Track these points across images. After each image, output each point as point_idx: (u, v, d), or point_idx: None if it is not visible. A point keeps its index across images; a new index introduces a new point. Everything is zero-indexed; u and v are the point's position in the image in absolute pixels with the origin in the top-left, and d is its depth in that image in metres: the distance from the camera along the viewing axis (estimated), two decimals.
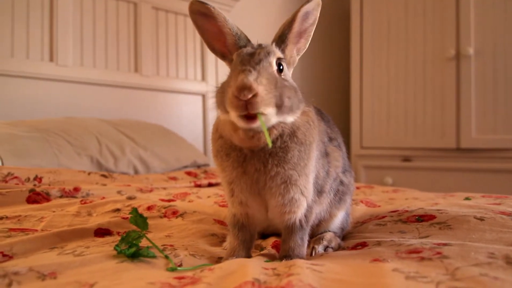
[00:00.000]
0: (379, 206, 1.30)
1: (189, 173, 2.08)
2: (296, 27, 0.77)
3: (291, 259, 0.76)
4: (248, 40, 0.77)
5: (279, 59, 0.72)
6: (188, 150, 2.43)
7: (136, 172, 2.05)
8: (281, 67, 0.72)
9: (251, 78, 0.64)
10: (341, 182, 0.91)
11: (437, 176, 3.07)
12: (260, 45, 0.74)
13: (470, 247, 0.70)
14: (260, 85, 0.64)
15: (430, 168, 3.12)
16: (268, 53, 0.70)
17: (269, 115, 0.66)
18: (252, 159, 0.73)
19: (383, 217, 1.03)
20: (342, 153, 0.91)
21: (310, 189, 0.78)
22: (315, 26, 0.80)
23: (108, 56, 2.59)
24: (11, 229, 0.97)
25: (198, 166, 2.39)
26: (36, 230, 0.98)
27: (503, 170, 2.82)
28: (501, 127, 2.85)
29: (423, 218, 0.95)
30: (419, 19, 3.15)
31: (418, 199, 1.40)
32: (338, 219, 0.94)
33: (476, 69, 2.91)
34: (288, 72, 0.77)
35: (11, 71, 2.19)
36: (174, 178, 1.95)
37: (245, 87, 0.63)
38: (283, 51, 0.76)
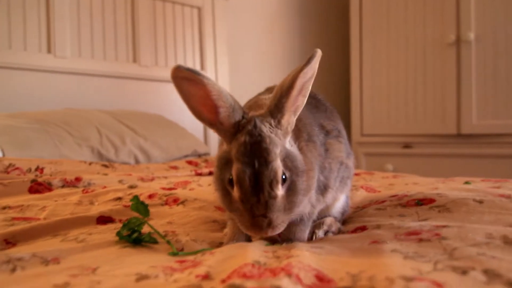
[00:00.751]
0: (379, 191, 1.31)
1: (190, 162, 2.09)
2: (294, 94, 0.69)
3: (291, 242, 0.77)
4: (244, 112, 0.70)
5: (283, 173, 0.67)
6: (189, 139, 2.43)
7: (137, 161, 2.06)
8: (283, 177, 0.67)
9: (264, 226, 0.65)
10: (346, 167, 0.90)
11: (437, 162, 3.07)
12: (257, 142, 0.66)
13: (468, 228, 0.71)
14: (276, 228, 0.66)
15: (430, 154, 3.13)
16: (271, 180, 0.65)
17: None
18: None
19: (383, 201, 1.04)
20: (343, 139, 0.90)
21: (313, 196, 0.79)
22: (313, 78, 0.71)
23: (106, 46, 2.58)
24: (14, 218, 0.98)
25: (199, 155, 2.39)
26: (39, 219, 0.99)
27: (504, 156, 2.83)
28: (502, 113, 2.84)
29: (422, 202, 0.95)
30: (419, 4, 3.12)
31: (418, 184, 1.41)
32: (340, 203, 0.95)
33: (476, 55, 2.89)
34: (286, 154, 0.70)
35: (8, 63, 2.18)
36: (175, 167, 1.96)
37: (261, 235, 0.67)
38: (279, 122, 0.69)
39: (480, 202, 0.88)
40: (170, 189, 1.34)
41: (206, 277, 0.58)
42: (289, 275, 0.54)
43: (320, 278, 0.56)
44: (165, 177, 1.68)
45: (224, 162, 0.69)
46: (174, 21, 2.90)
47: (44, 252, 0.67)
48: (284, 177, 0.66)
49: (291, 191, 0.67)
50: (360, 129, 3.44)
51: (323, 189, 0.81)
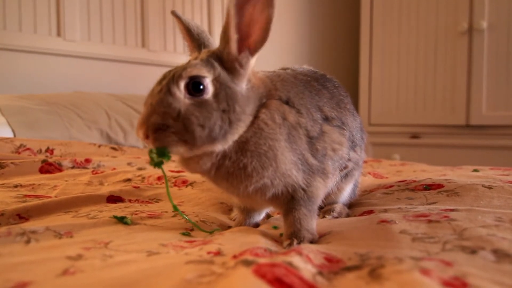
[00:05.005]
0: (386, 177, 1.31)
1: None
2: (232, 20, 0.64)
3: (300, 233, 0.69)
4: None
5: (193, 78, 0.63)
6: None
7: (145, 145, 2.07)
8: (200, 87, 0.63)
9: (142, 116, 0.62)
10: (349, 159, 0.84)
11: (445, 153, 3.05)
12: (185, 65, 0.66)
13: (477, 211, 0.71)
14: (150, 124, 0.61)
15: (438, 145, 3.10)
16: (173, 80, 0.63)
17: (178, 151, 0.63)
18: (216, 177, 0.69)
19: (391, 186, 1.04)
20: (346, 132, 0.82)
21: (294, 174, 0.70)
22: (273, 10, 0.64)
23: (115, 31, 2.58)
24: (26, 195, 1.00)
25: None
26: (50, 197, 1.00)
27: None
28: None
29: (431, 186, 0.95)
30: None
31: (426, 171, 1.41)
32: (347, 192, 0.94)
33: (489, 44, 2.85)
34: (224, 85, 0.65)
35: (19, 46, 2.19)
36: None
37: (137, 126, 0.63)
38: (220, 56, 0.67)
39: (489, 187, 0.88)
40: (178, 171, 1.35)
41: (218, 253, 0.59)
42: (300, 254, 0.55)
43: (329, 259, 0.57)
44: (173, 161, 1.68)
45: None
46: (183, 6, 2.88)
47: (57, 226, 0.68)
48: (201, 86, 0.63)
49: (201, 111, 0.62)
50: (368, 118, 3.42)
51: (315, 173, 0.73)
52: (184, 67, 0.64)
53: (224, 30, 0.65)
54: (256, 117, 0.68)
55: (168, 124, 0.61)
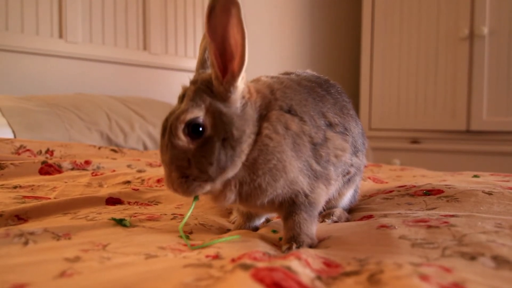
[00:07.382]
0: (386, 182, 1.31)
1: None
2: (210, 45, 0.65)
3: (300, 237, 0.69)
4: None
5: (189, 122, 0.64)
6: None
7: (145, 148, 2.07)
8: (199, 129, 0.64)
9: (165, 177, 0.67)
10: (352, 165, 0.84)
11: (445, 159, 3.05)
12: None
13: (477, 217, 0.71)
14: (173, 184, 0.65)
15: (438, 150, 3.10)
16: (171, 133, 0.65)
17: (206, 191, 0.67)
18: (240, 203, 0.72)
19: (391, 191, 1.03)
20: (349, 137, 0.82)
21: (300, 180, 0.71)
22: (245, 35, 0.64)
23: (117, 33, 2.58)
24: (25, 197, 1.00)
25: None
26: (49, 198, 1.00)
27: None
28: None
29: (430, 192, 0.95)
30: None
31: (426, 176, 1.40)
32: (347, 197, 0.94)
33: (490, 50, 2.85)
34: (217, 113, 0.65)
35: (21, 47, 2.20)
36: None
37: (166, 186, 0.68)
38: (210, 81, 0.67)
39: (489, 193, 0.87)
40: None
41: (216, 257, 0.59)
42: (298, 258, 0.55)
43: (328, 264, 0.57)
44: None
45: None
46: (185, 9, 2.89)
47: (56, 228, 0.68)
48: (201, 128, 0.64)
49: (205, 150, 0.64)
50: (369, 123, 3.42)
51: (318, 178, 0.73)
52: (177, 116, 0.65)
53: (209, 55, 0.66)
54: (259, 133, 0.68)
55: (185, 174, 0.65)
